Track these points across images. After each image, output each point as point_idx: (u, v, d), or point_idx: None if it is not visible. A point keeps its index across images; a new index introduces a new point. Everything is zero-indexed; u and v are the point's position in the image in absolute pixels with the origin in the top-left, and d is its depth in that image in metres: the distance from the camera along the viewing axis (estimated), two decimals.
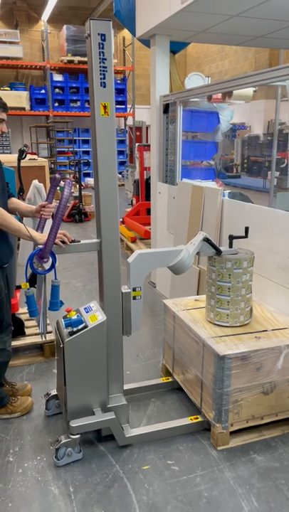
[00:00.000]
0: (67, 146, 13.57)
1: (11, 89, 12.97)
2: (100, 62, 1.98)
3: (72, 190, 9.71)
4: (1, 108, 2.25)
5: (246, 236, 2.55)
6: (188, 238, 3.74)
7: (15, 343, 3.13)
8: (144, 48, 4.81)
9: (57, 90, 13.29)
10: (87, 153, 14.02)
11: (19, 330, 3.24)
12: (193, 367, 2.51)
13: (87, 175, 12.60)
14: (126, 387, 2.62)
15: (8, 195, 2.47)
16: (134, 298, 2.28)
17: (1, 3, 11.91)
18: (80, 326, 2.22)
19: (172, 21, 3.72)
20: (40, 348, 3.30)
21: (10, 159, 5.78)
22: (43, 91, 13.21)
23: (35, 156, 9.14)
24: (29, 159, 7.21)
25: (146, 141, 12.90)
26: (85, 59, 13.03)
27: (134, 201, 7.58)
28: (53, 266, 2.20)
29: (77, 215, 8.40)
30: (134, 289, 2.28)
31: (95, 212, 2.26)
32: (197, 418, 2.45)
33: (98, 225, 2.23)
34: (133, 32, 4.59)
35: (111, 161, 2.13)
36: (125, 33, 13.82)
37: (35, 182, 3.28)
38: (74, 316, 2.27)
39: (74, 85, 13.41)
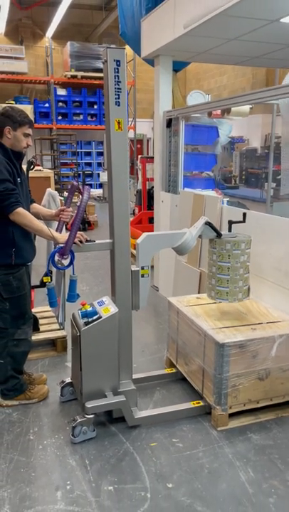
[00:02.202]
0: (71, 158, 13.93)
1: (16, 103, 13.34)
2: (115, 84, 2.29)
3: (76, 200, 10.02)
4: (29, 124, 2.55)
5: (244, 221, 2.82)
6: None
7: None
8: (145, 63, 5.15)
9: (60, 104, 13.70)
10: (89, 164, 14.40)
11: (34, 326, 3.48)
12: (196, 356, 2.76)
13: (90, 186, 12.92)
14: (133, 376, 2.86)
15: (30, 201, 2.75)
16: (142, 276, 2.54)
17: (7, 20, 12.33)
18: (94, 317, 2.48)
19: (175, 44, 4.04)
20: (52, 343, 3.55)
21: None
22: (46, 105, 13.62)
23: (40, 168, 9.48)
24: (35, 170, 7.52)
25: (148, 154, 13.27)
26: (88, 74, 13.48)
27: (137, 210, 7.87)
28: (71, 262, 2.46)
29: (81, 224, 8.67)
30: (142, 268, 2.54)
31: (108, 215, 2.54)
32: (199, 403, 2.70)
33: (111, 227, 2.50)
34: (138, 52, 4.92)
35: (123, 170, 2.42)
36: (127, 49, 14.19)
37: (50, 190, 3.56)
38: (89, 308, 2.53)
39: (77, 99, 13.83)
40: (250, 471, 2.23)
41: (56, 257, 2.42)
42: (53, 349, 3.51)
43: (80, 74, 13.40)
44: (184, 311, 2.93)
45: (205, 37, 3.83)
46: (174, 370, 3.12)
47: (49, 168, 11.99)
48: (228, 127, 5.11)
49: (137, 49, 4.95)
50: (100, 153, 14.31)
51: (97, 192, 13.33)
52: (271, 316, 2.81)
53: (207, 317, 2.81)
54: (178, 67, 5.03)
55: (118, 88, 2.29)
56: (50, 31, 13.12)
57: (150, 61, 4.81)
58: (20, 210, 2.45)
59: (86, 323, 2.47)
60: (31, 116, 13.12)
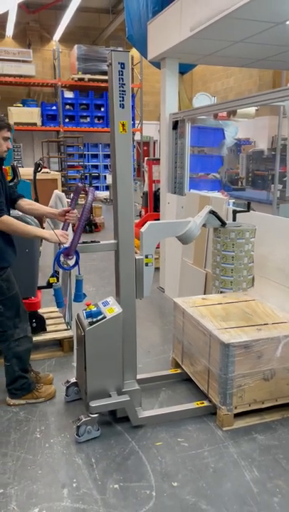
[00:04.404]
0: (77, 160, 14.00)
1: (24, 106, 13.48)
2: (119, 87, 2.32)
3: (83, 202, 10.07)
4: (7, 127, 2.58)
5: (248, 210, 2.84)
6: (196, 244, 4.03)
7: (37, 338, 3.40)
8: (151, 66, 5.18)
9: (67, 107, 13.79)
10: (96, 167, 14.46)
11: (41, 326, 3.52)
12: (201, 357, 2.78)
13: (96, 188, 12.99)
14: (138, 377, 2.88)
15: (16, 196, 2.79)
16: (146, 264, 2.55)
17: (14, 24, 12.44)
18: (99, 317, 2.51)
19: (181, 46, 4.07)
20: (59, 343, 3.58)
21: (26, 172, 6.15)
22: (54, 107, 13.71)
23: (47, 170, 9.54)
24: (42, 172, 7.59)
25: (154, 156, 13.30)
26: (95, 77, 13.55)
27: (143, 212, 7.89)
28: (76, 262, 2.49)
29: (88, 225, 8.72)
30: (146, 256, 2.56)
31: (113, 217, 2.56)
32: (203, 403, 2.72)
33: (116, 228, 2.52)
34: (144, 54, 4.95)
35: (128, 171, 2.44)
36: (133, 52, 14.28)
37: (57, 191, 3.60)
38: (94, 308, 2.55)
39: (84, 102, 13.91)
40: (255, 470, 2.24)
41: (62, 258, 2.45)
42: (60, 349, 3.54)
43: (87, 77, 13.48)
44: (189, 311, 2.95)
45: (211, 39, 3.86)
46: (179, 371, 3.13)
47: (56, 171, 12.06)
48: (234, 129, 5.12)
49: (143, 52, 4.98)
50: (107, 156, 14.36)
51: (103, 194, 13.38)
52: (276, 317, 2.82)
53: (212, 318, 2.82)
54: (184, 69, 5.05)
55: (122, 90, 2.32)
56: (58, 34, 13.21)
57: (157, 64, 4.84)
58: (5, 218, 2.47)
59: (90, 323, 2.49)
60: (38, 119, 13.29)
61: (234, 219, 2.80)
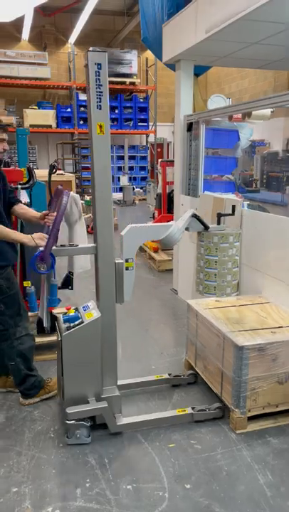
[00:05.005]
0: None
1: (39, 108, 13.61)
2: (96, 88, 2.23)
3: None
4: (2, 129, 2.62)
5: (233, 214, 2.78)
6: None
7: (49, 338, 3.42)
8: (165, 67, 5.19)
9: (82, 109, 13.87)
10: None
11: (54, 327, 3.54)
12: (215, 359, 2.77)
13: None
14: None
15: (14, 201, 2.83)
16: (127, 268, 2.49)
17: (30, 27, 12.58)
18: (76, 322, 2.48)
19: (197, 48, 4.07)
20: None
21: (41, 174, 6.21)
22: (68, 109, 13.81)
23: (61, 172, 9.62)
24: (57, 174, 7.64)
25: (168, 157, 13.31)
26: (110, 79, 13.54)
27: (157, 214, 7.90)
28: (52, 266, 2.42)
29: None
30: (126, 260, 2.48)
31: (92, 220, 2.48)
32: (184, 411, 2.65)
33: (95, 231, 2.44)
34: (159, 57, 4.97)
35: (106, 174, 2.36)
36: (148, 54, 14.38)
37: (71, 193, 3.61)
38: (72, 313, 2.53)
39: None
40: (269, 474, 2.23)
41: (37, 261, 2.38)
42: None
43: None
44: (203, 313, 2.94)
45: (227, 41, 3.85)
46: (193, 373, 3.12)
47: (70, 172, 12.15)
48: (249, 131, 5.10)
49: (158, 54, 4.99)
50: (120, 157, 14.41)
51: (117, 196, 13.43)
52: None
53: (226, 320, 2.81)
54: (199, 71, 5.06)
55: (99, 91, 2.24)
56: (73, 37, 13.32)
57: (172, 66, 4.84)
58: None
59: (68, 328, 2.46)
60: (53, 121, 13.41)
61: (218, 222, 2.74)
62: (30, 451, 2.40)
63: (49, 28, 14.14)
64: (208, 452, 2.39)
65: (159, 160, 8.12)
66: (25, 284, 2.50)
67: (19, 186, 3.45)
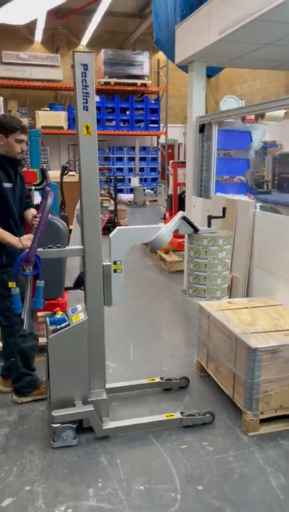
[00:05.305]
0: (103, 163, 14.12)
1: (51, 110, 13.69)
2: (82, 89, 2.22)
3: (107, 204, 10.16)
4: (20, 130, 2.63)
5: (224, 216, 2.75)
6: None
7: None
8: (177, 69, 5.18)
9: None
10: (120, 169, 14.55)
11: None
12: (227, 361, 2.76)
13: (120, 191, 13.06)
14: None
15: (29, 205, 2.85)
16: (115, 271, 2.46)
17: (43, 29, 12.67)
18: (62, 324, 2.46)
19: (210, 50, 4.07)
20: None
21: (53, 175, 6.25)
22: None
23: (73, 173, 9.66)
24: (69, 175, 7.67)
25: (179, 159, 13.30)
26: (122, 80, 13.67)
27: (167, 215, 7.90)
28: (38, 268, 2.38)
29: (112, 228, 8.77)
30: (114, 263, 2.45)
31: (80, 221, 2.44)
32: (172, 415, 2.61)
33: (82, 233, 2.42)
34: (172, 58, 4.97)
35: (93, 174, 2.33)
36: (160, 55, 14.39)
37: None
38: (58, 316, 2.51)
39: (110, 106, 14.03)
40: (282, 477, 2.22)
41: (22, 263, 2.36)
42: None
43: (113, 80, 13.60)
44: (215, 315, 2.93)
45: (240, 42, 3.84)
46: (204, 374, 3.12)
47: None
48: (262, 132, 5.08)
49: (171, 55, 5.00)
50: (132, 159, 14.44)
51: (128, 197, 13.45)
52: None
53: (239, 322, 2.81)
54: (211, 72, 5.04)
55: (86, 92, 2.23)
56: (85, 39, 13.38)
57: (184, 67, 4.84)
58: None
59: (54, 331, 2.44)
60: (65, 123, 13.48)
61: (209, 225, 2.71)
62: (42, 450, 2.42)
63: (61, 30, 14.21)
64: (221, 454, 2.39)
65: (171, 161, 8.11)
66: (10, 285, 2.45)
67: (33, 187, 3.49)
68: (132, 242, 2.63)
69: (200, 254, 2.59)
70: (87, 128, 2.28)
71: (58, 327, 2.45)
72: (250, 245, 3.60)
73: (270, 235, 3.38)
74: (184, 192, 6.08)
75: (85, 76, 2.21)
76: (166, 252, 6.55)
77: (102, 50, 13.51)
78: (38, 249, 2.35)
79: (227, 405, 2.80)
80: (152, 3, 5.43)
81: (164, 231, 2.51)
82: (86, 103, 2.25)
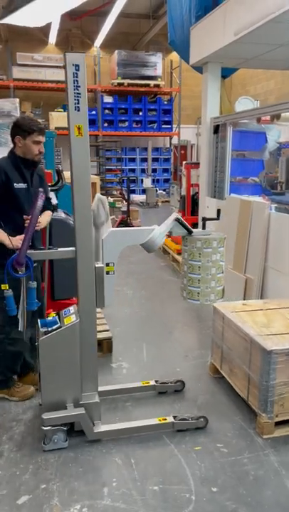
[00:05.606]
0: (115, 164, 14.17)
1: (64, 111, 13.76)
2: (74, 89, 2.19)
3: (120, 205, 10.19)
4: (38, 131, 2.65)
5: (218, 218, 2.71)
6: (236, 248, 4.00)
7: None
8: (190, 70, 5.19)
9: (106, 111, 13.99)
10: (133, 170, 14.59)
11: None
12: (242, 363, 2.75)
13: (133, 191, 13.09)
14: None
15: (45, 209, 2.84)
16: (108, 273, 2.43)
17: (57, 31, 12.76)
18: (54, 327, 2.45)
19: (225, 51, 4.07)
20: (98, 344, 3.62)
21: (66, 176, 6.30)
22: (93, 112, 13.93)
23: None
24: None
25: (191, 159, 13.28)
26: (135, 81, 13.70)
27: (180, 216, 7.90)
28: (29, 269, 2.38)
29: None
30: (107, 265, 2.42)
31: (72, 222, 2.42)
32: (165, 419, 2.58)
33: (73, 234, 2.37)
34: (186, 59, 4.98)
35: (85, 175, 2.29)
36: (173, 56, 14.40)
37: (99, 195, 3.66)
38: (50, 318, 2.50)
39: (123, 106, 14.07)
40: None
41: (14, 264, 2.34)
42: (99, 350, 3.57)
43: (126, 81, 13.64)
44: (229, 316, 2.93)
45: (255, 43, 3.84)
46: (218, 376, 3.11)
47: (94, 174, 12.25)
48: (277, 133, 5.05)
49: (185, 57, 5.01)
50: (144, 159, 14.46)
51: (140, 197, 13.47)
52: None
53: (254, 324, 2.80)
54: (226, 73, 5.05)
55: (78, 93, 2.20)
56: (99, 40, 13.44)
57: (198, 68, 4.85)
58: None
59: (45, 333, 2.43)
60: None
61: (203, 227, 2.67)
62: (57, 448, 2.44)
63: (75, 31, 14.30)
64: (235, 456, 2.38)
65: (184, 162, 8.10)
66: (2, 287, 2.44)
67: (48, 188, 3.51)
68: (124, 244, 2.62)
69: (194, 256, 2.56)
70: (79, 129, 2.24)
71: (50, 329, 2.44)
72: (265, 247, 3.58)
73: (286, 237, 3.37)
74: (197, 193, 6.08)
75: (77, 76, 2.19)
76: (179, 253, 6.54)
77: (116, 51, 13.56)
78: (28, 251, 2.34)
79: (241, 407, 2.80)
80: (167, 5, 5.45)
81: (157, 233, 2.49)
82: (78, 103, 2.21)
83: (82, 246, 2.37)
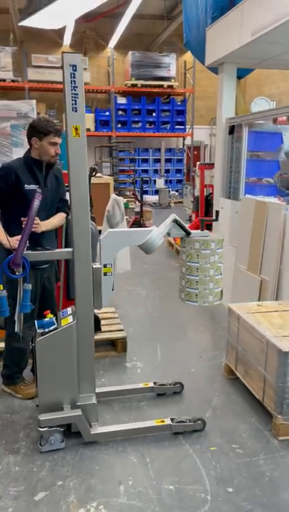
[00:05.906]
0: (128, 164, 14.21)
1: None
2: (71, 90, 2.18)
3: (133, 206, 10.22)
4: (54, 133, 2.67)
5: (216, 219, 2.67)
6: (251, 250, 3.99)
7: None
8: (204, 70, 5.18)
9: (120, 112, 14.04)
10: (146, 171, 14.61)
11: (96, 326, 3.60)
12: (257, 364, 2.74)
13: (146, 192, 13.11)
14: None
15: (57, 210, 2.89)
16: (105, 274, 2.42)
17: (72, 33, 12.85)
18: (51, 328, 2.44)
19: (241, 51, 4.06)
20: (112, 344, 3.65)
21: None
22: (107, 113, 14.00)
23: (99, 174, 9.77)
24: (96, 177, 7.75)
25: (204, 160, 13.25)
26: (148, 82, 13.72)
27: (194, 217, 7.89)
28: (25, 270, 2.35)
29: None
30: (104, 266, 2.41)
31: (69, 223, 2.42)
32: (163, 421, 2.56)
33: (71, 235, 2.36)
34: (202, 60, 4.97)
35: (82, 176, 2.29)
36: (186, 57, 14.40)
37: (114, 196, 3.69)
38: (47, 319, 2.49)
39: (136, 107, 14.11)
40: None
41: (10, 265, 2.32)
42: (113, 349, 3.62)
43: (140, 82, 13.68)
44: (245, 318, 2.92)
45: (272, 43, 3.82)
46: (233, 377, 3.11)
47: (108, 175, 12.30)
48: None
49: (200, 57, 5.00)
50: (157, 160, 14.48)
51: (153, 198, 13.49)
52: None
53: (269, 325, 2.79)
54: (242, 73, 5.03)
55: (75, 94, 2.19)
56: (113, 42, 13.49)
57: (214, 69, 4.84)
58: None
59: (42, 334, 2.43)
60: (92, 125, 13.63)
61: (202, 228, 2.64)
62: (74, 446, 2.46)
63: (90, 33, 14.38)
64: (250, 457, 2.38)
65: (198, 163, 8.10)
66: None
67: (65, 190, 3.54)
68: (122, 245, 2.60)
69: (192, 257, 2.54)
70: (76, 129, 2.24)
71: (46, 330, 2.44)
72: (280, 248, 3.56)
73: None
74: (211, 194, 6.07)
75: (74, 77, 2.17)
76: None
77: (130, 53, 13.60)
78: (25, 252, 2.33)
79: (256, 408, 2.79)
80: (183, 6, 5.45)
81: (155, 234, 2.47)
82: (75, 104, 2.20)
83: (80, 247, 2.35)
